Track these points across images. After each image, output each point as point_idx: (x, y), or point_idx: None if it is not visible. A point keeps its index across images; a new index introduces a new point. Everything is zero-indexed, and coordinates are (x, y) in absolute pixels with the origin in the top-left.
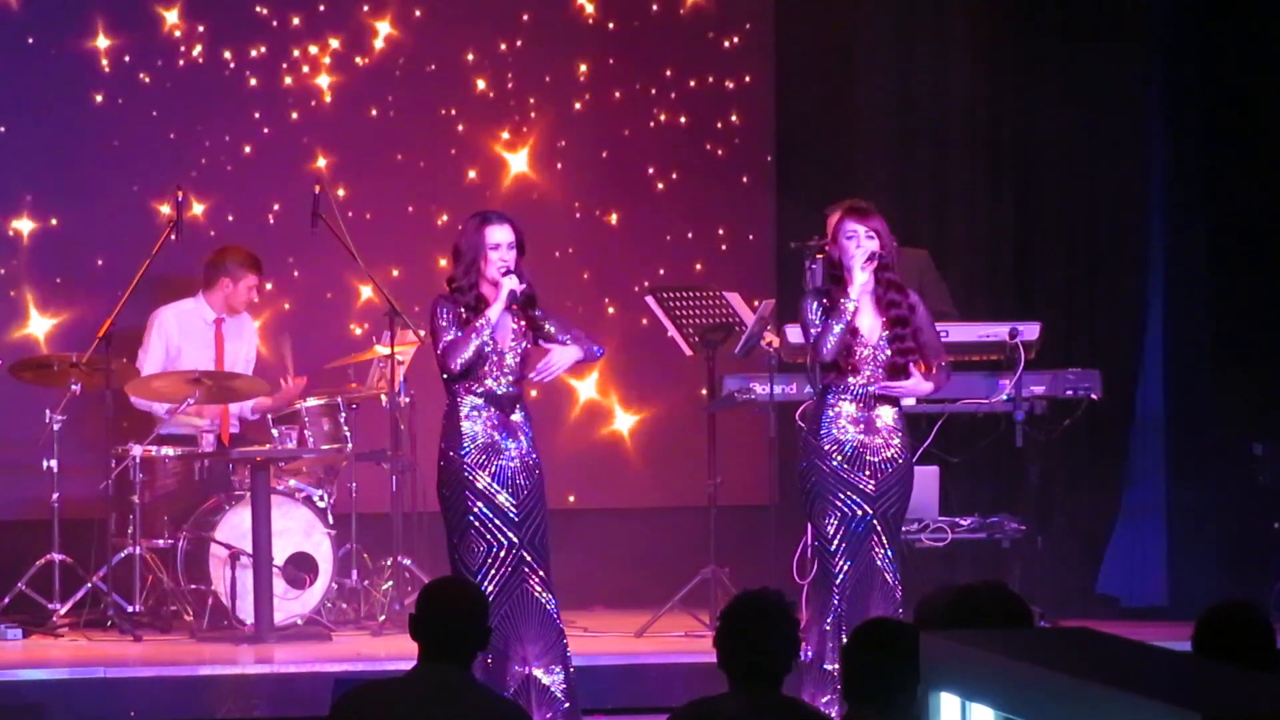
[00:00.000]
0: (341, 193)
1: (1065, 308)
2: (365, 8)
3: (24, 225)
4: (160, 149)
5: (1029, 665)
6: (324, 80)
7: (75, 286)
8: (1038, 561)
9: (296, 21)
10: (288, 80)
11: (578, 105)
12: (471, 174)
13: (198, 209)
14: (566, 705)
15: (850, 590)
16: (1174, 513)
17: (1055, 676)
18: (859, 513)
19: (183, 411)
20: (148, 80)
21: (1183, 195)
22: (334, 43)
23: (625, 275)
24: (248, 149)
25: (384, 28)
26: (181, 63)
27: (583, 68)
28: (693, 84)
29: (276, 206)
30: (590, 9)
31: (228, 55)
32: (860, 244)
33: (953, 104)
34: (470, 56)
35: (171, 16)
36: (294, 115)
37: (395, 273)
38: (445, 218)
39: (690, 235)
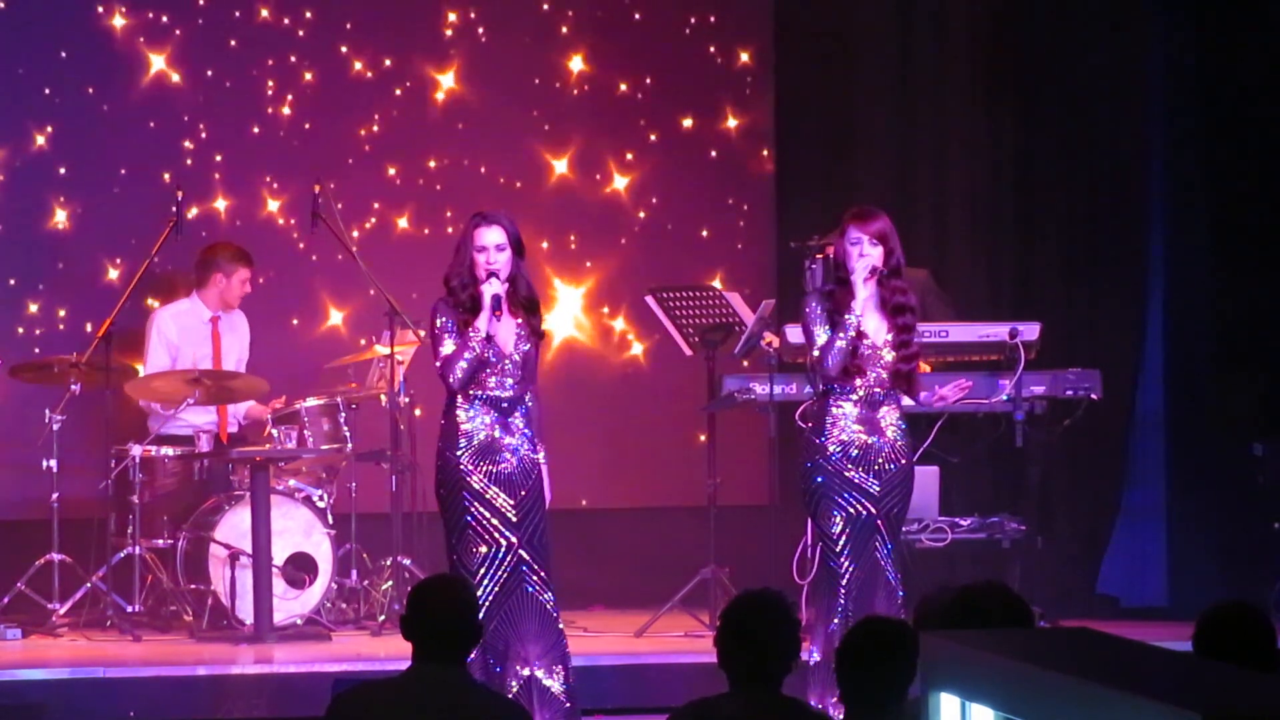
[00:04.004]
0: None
1: (1065, 308)
2: (347, 26)
3: (25, 223)
4: (161, 148)
5: (1029, 665)
6: (327, 78)
7: (75, 286)
8: (1038, 561)
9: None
10: (290, 80)
11: (577, 105)
12: (470, 176)
13: (198, 209)
14: (567, 705)
15: (856, 591)
16: (1174, 513)
17: (1055, 676)
18: (863, 513)
19: (182, 412)
20: (150, 82)
21: (1183, 195)
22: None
23: (625, 275)
24: (248, 148)
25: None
26: (183, 62)
27: (582, 68)
28: (692, 84)
29: (276, 205)
30: (589, 8)
31: (226, 56)
32: (863, 253)
33: (953, 104)
34: (469, 57)
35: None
36: (294, 114)
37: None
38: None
39: (690, 235)
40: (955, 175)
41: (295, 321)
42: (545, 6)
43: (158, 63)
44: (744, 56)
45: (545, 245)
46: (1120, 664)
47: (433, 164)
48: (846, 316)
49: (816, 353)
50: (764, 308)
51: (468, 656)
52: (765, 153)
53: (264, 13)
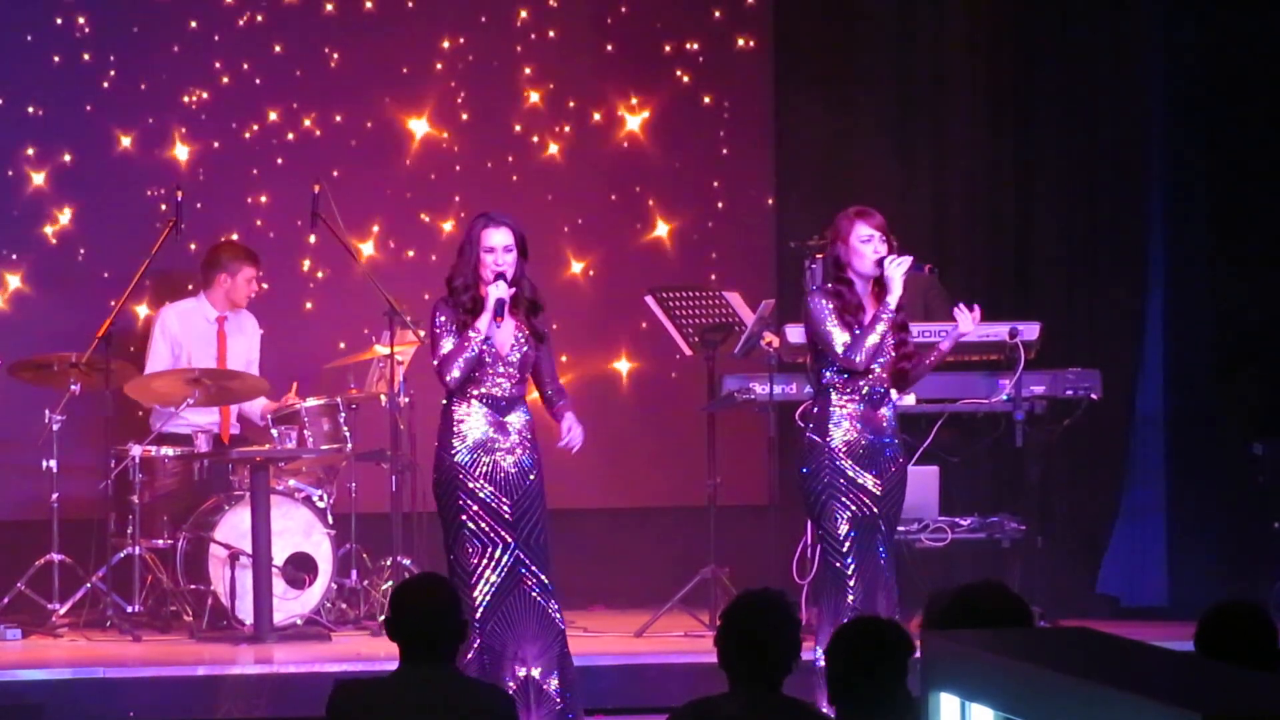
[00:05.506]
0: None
1: (1065, 308)
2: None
3: (24, 225)
4: (162, 148)
5: (1029, 665)
6: (325, 77)
7: (76, 286)
8: (1038, 561)
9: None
10: (290, 79)
11: (576, 106)
12: (469, 183)
13: (198, 205)
14: (560, 706)
15: (862, 591)
16: (1174, 513)
17: (1055, 676)
18: (867, 512)
19: (183, 412)
20: (147, 85)
21: (1183, 194)
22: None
23: (625, 275)
24: (249, 146)
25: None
26: (184, 62)
27: (583, 68)
28: (691, 84)
29: (272, 209)
30: (590, 10)
31: (229, 56)
32: (877, 249)
33: (954, 103)
34: (469, 59)
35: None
36: (295, 109)
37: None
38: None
39: (689, 235)
40: (955, 175)
41: (293, 322)
42: (530, 17)
43: (155, 65)
44: (744, 52)
45: (544, 246)
46: (1120, 664)
47: (423, 179)
48: (882, 312)
49: (840, 349)
50: (764, 308)
51: (454, 654)
52: (765, 152)
53: (257, 18)
